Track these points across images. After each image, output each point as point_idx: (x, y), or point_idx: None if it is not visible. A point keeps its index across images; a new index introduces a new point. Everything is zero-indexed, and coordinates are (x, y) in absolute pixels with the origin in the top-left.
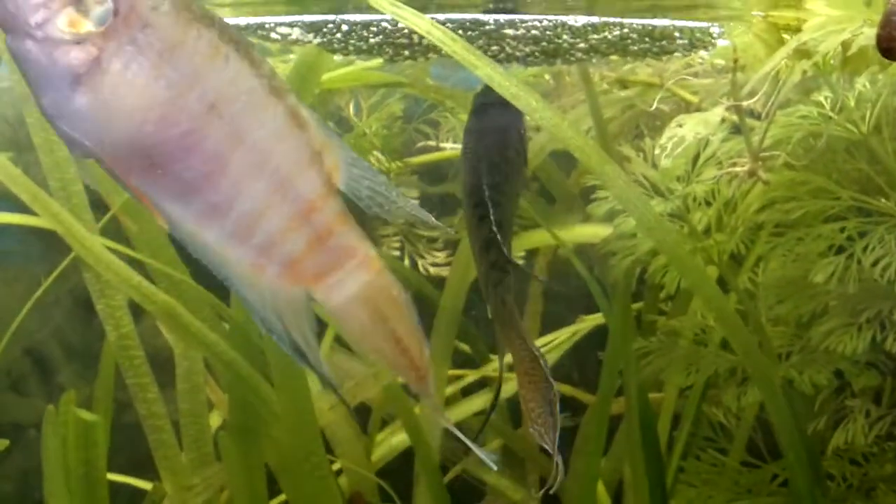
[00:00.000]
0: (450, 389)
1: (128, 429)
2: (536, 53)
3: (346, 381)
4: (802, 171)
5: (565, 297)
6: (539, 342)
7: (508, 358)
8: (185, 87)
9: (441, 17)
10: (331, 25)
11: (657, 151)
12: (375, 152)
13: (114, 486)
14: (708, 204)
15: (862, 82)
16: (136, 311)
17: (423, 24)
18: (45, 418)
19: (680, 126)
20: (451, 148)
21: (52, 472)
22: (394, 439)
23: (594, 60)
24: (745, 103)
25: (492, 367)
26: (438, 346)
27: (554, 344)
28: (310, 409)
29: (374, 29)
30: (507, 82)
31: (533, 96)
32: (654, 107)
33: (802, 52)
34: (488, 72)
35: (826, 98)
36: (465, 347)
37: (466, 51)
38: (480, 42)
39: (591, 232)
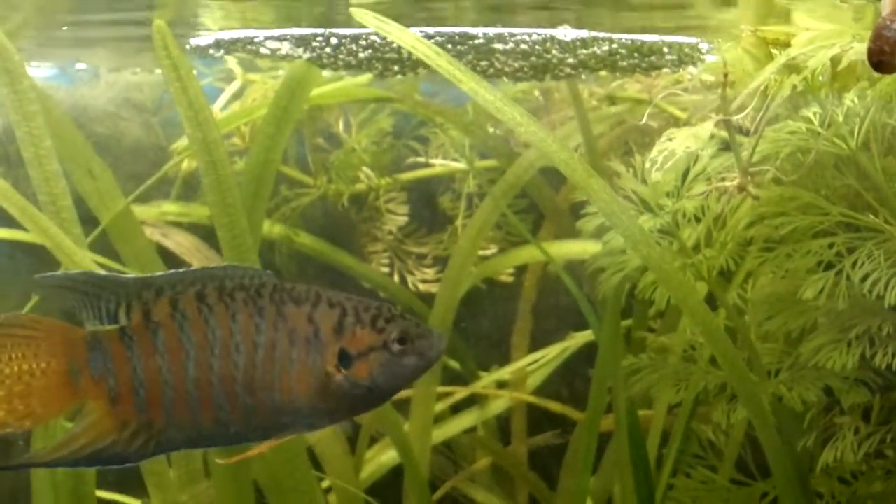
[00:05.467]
0: (439, 406)
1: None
2: (526, 69)
3: None
4: (791, 186)
5: (555, 313)
6: (528, 359)
7: (500, 374)
8: None
9: (431, 30)
10: (320, 39)
11: (647, 165)
12: (365, 168)
13: (102, 503)
14: (697, 220)
15: (851, 98)
16: None
17: (408, 39)
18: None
19: (670, 140)
20: (441, 164)
21: (41, 487)
22: (383, 457)
23: (583, 76)
24: (734, 118)
25: (481, 385)
26: None
27: (543, 361)
28: None
29: (364, 43)
30: (492, 96)
31: (518, 111)
32: (643, 122)
33: (791, 68)
34: (473, 86)
35: (815, 114)
36: (454, 364)
37: (451, 65)
38: (469, 57)
39: (580, 248)
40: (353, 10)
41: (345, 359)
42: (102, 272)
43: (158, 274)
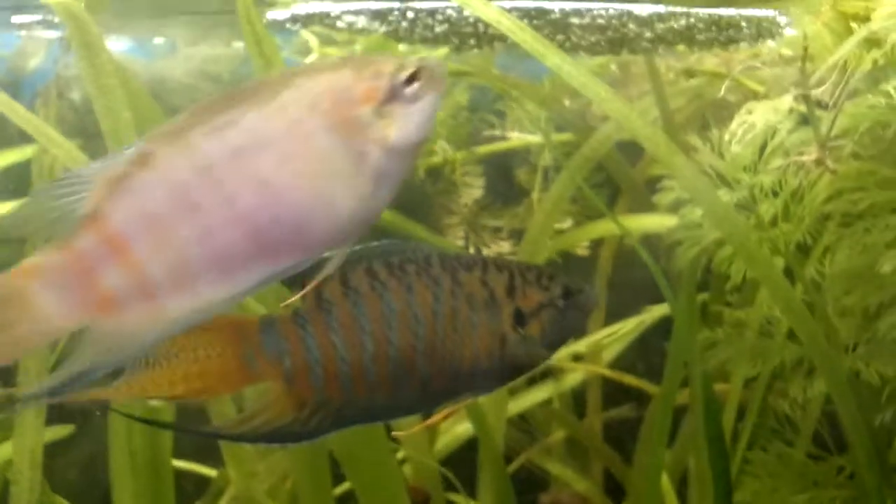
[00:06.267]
0: None
1: (193, 415)
2: (602, 43)
3: None
4: (870, 161)
5: (630, 287)
6: (604, 332)
7: (576, 347)
8: None
9: (507, 4)
10: (396, 13)
11: (727, 138)
12: (441, 141)
13: (179, 473)
14: (775, 194)
15: None
16: None
17: (492, 13)
18: (111, 403)
19: (750, 113)
20: (517, 137)
21: (118, 457)
22: (458, 428)
23: (660, 50)
24: (813, 93)
25: (556, 357)
26: None
27: (619, 334)
28: None
29: (440, 17)
30: (576, 71)
31: (601, 86)
32: (720, 95)
33: (871, 42)
34: (556, 61)
35: (895, 88)
36: None
37: (535, 40)
38: (546, 31)
39: (656, 222)
40: None
41: (519, 318)
42: None
43: (325, 255)
